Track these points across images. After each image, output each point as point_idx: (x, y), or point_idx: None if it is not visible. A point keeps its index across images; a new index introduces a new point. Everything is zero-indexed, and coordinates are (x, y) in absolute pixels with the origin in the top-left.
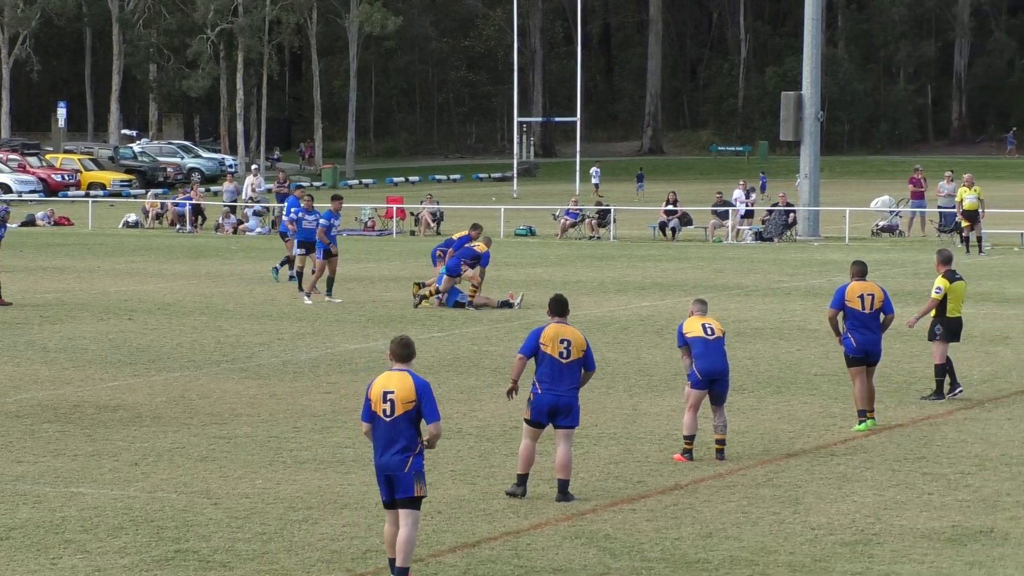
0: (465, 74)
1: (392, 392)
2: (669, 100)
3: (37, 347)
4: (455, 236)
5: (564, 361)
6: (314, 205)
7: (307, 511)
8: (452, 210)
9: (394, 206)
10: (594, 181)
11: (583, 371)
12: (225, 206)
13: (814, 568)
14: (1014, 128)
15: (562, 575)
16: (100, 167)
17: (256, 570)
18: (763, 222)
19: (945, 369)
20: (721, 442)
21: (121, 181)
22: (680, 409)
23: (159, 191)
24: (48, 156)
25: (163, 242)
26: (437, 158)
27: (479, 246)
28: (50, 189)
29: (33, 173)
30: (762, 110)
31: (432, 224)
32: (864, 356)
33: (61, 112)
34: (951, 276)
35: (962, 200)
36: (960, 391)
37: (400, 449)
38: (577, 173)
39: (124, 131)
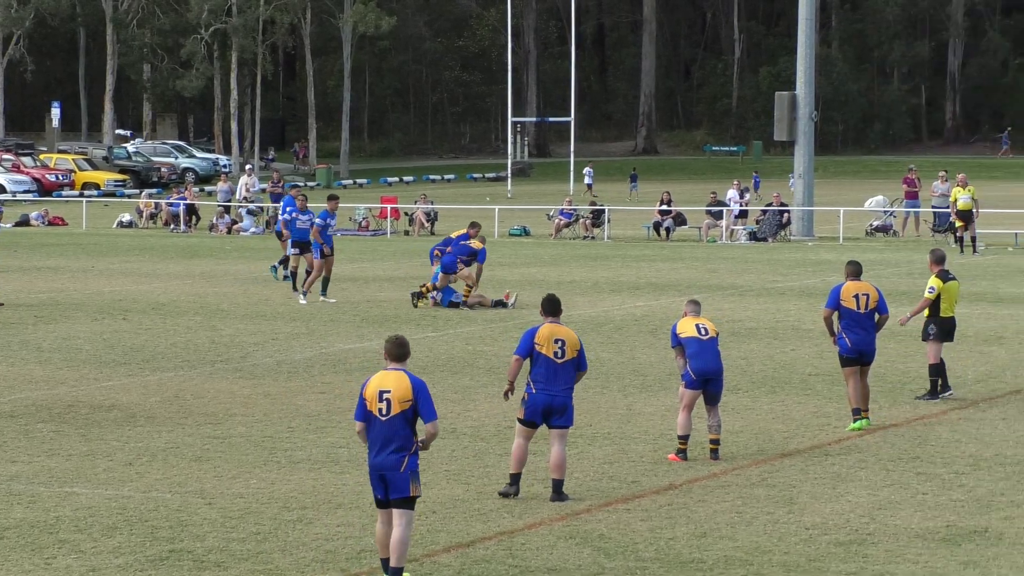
0: (459, 74)
1: (389, 391)
2: (663, 100)
3: (31, 347)
4: (453, 235)
5: (559, 361)
6: (308, 205)
7: (302, 511)
8: (446, 210)
9: (388, 206)
10: (587, 181)
11: (576, 371)
12: (219, 206)
13: (808, 568)
14: (1009, 128)
15: (556, 575)
16: (94, 167)
17: (250, 570)
18: (757, 222)
19: (939, 369)
20: (715, 442)
21: (115, 181)
22: (674, 409)
23: (153, 191)
24: (42, 156)
25: (157, 242)
26: (431, 158)
27: (475, 243)
28: (44, 189)
29: (27, 173)
30: (756, 110)
31: (426, 224)
32: (858, 356)
33: (55, 112)
34: (944, 276)
35: (956, 200)
36: (950, 394)
37: (396, 448)
38: (571, 173)
39: (118, 131)
